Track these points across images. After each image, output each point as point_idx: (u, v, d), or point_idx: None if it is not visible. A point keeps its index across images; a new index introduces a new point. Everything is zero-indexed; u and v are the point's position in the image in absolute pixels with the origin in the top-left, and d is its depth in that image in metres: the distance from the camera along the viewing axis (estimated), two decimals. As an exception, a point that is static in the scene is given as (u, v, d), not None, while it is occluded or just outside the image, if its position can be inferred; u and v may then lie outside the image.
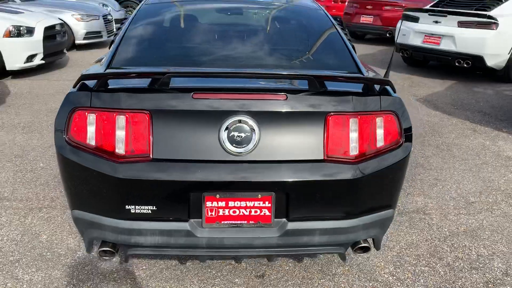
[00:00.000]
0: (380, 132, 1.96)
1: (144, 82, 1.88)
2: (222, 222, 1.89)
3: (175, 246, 1.90)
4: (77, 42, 8.65)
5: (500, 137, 4.58)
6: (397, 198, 2.12)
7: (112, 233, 1.89)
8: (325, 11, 2.96)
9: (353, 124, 1.90)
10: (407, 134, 2.03)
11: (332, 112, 1.88)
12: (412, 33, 7.11)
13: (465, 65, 6.60)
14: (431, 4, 7.66)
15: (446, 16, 6.69)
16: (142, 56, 2.32)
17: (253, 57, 2.35)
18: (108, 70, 2.10)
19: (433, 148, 4.22)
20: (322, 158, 1.88)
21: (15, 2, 8.30)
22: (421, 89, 6.45)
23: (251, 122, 1.82)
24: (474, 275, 2.42)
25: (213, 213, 1.87)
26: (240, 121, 1.82)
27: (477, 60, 6.49)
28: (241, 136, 1.82)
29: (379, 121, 1.95)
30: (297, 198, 1.87)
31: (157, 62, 2.25)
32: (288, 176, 1.84)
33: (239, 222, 1.89)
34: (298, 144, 1.86)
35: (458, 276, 2.41)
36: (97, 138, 1.85)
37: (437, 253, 2.61)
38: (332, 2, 12.84)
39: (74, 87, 1.91)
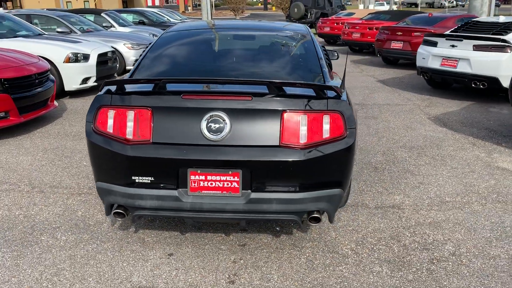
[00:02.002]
0: (326, 127, 2.52)
1: (147, 87, 2.57)
2: (203, 191, 2.51)
3: (167, 208, 2.53)
4: (127, 67, 9.71)
5: (497, 151, 4.89)
6: (346, 181, 2.64)
7: (122, 198, 2.56)
8: (313, 37, 3.56)
9: (302, 119, 2.48)
10: (351, 130, 2.57)
11: (287, 109, 2.48)
12: (430, 57, 7.52)
13: (481, 87, 6.90)
14: (451, 30, 8.04)
15: (462, 40, 7.07)
16: (154, 70, 3.03)
17: (239, 71, 3.00)
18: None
19: (427, 158, 4.63)
20: (278, 144, 2.46)
21: (77, 33, 9.52)
22: (437, 109, 6.81)
23: (224, 116, 2.45)
24: (423, 254, 2.86)
25: (196, 184, 2.50)
26: (215, 115, 2.45)
27: (493, 82, 6.77)
28: (216, 127, 2.45)
29: (326, 118, 2.52)
30: (258, 174, 2.46)
31: (164, 74, 2.95)
32: (251, 157, 2.43)
33: (215, 191, 2.50)
34: (260, 133, 2.47)
35: (409, 254, 2.86)
36: (114, 127, 2.54)
37: (398, 237, 3.07)
38: (367, 30, 13.37)
39: (100, 91, 2.64)
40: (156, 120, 2.50)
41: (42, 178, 4.03)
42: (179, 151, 2.45)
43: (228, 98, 2.47)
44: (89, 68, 7.36)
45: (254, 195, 2.49)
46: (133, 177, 2.52)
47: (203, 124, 2.46)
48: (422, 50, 7.76)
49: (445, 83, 8.00)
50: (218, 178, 2.49)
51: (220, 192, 2.50)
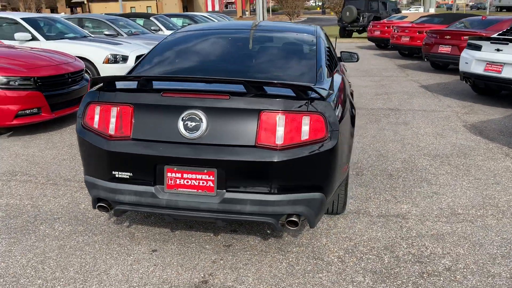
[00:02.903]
0: (305, 128, 2.44)
1: (131, 84, 2.62)
2: (179, 189, 2.51)
3: (144, 204, 2.57)
4: (169, 69, 9.97)
5: (531, 162, 4.53)
6: (328, 185, 2.55)
7: (104, 192, 2.62)
8: (319, 39, 3.47)
9: (280, 120, 2.42)
10: (333, 132, 2.48)
11: (264, 109, 2.43)
12: (474, 61, 7.10)
13: (527, 94, 6.42)
14: (499, 32, 7.55)
15: (508, 44, 6.62)
16: (151, 68, 3.09)
17: (230, 70, 2.99)
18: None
19: (450, 167, 4.37)
20: (253, 144, 2.42)
21: (123, 36, 9.93)
22: (476, 116, 6.42)
23: (200, 114, 2.45)
24: (415, 267, 2.70)
25: (172, 182, 2.51)
26: (192, 114, 2.45)
27: (541, 89, 6.29)
28: (193, 125, 2.45)
29: (305, 119, 2.44)
30: (232, 174, 2.43)
31: (158, 72, 3.00)
32: (226, 156, 2.41)
33: (191, 190, 2.50)
34: (236, 132, 2.44)
35: (399, 266, 2.71)
36: (99, 123, 2.62)
37: (392, 247, 2.91)
38: (417, 33, 12.88)
39: (90, 88, 2.73)
40: (137, 116, 2.54)
41: (59, 171, 4.23)
42: (156, 148, 2.48)
43: (206, 97, 2.47)
44: (127, 69, 7.64)
45: (228, 195, 2.46)
46: (113, 172, 2.57)
47: (180, 122, 2.47)
48: (466, 54, 7.34)
49: (490, 89, 7.52)
50: (194, 176, 2.49)
51: (195, 190, 2.50)
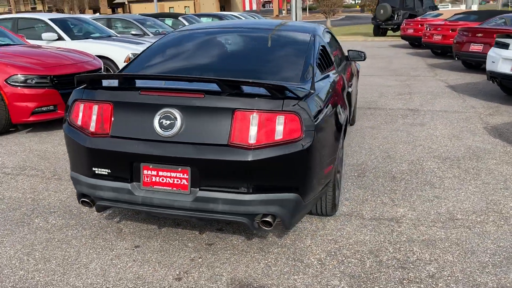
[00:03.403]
0: (279, 128, 2.41)
1: (112, 83, 2.67)
2: (154, 186, 2.54)
3: (122, 201, 2.61)
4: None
5: (549, 167, 4.28)
6: (304, 186, 2.51)
7: (85, 187, 2.69)
8: (315, 38, 3.42)
9: (254, 119, 2.40)
10: (308, 132, 2.43)
11: (238, 108, 2.42)
12: (500, 60, 6.78)
13: (557, 94, 6.07)
14: (529, 30, 7.17)
15: (536, 42, 6.28)
16: (142, 67, 3.14)
17: (216, 69, 2.99)
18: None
19: (458, 171, 4.19)
20: (226, 143, 2.41)
21: (149, 36, 10.13)
22: (500, 118, 6.13)
23: (175, 112, 2.46)
24: (397, 272, 2.61)
25: (148, 179, 2.54)
26: (168, 112, 2.47)
27: None
28: (168, 123, 2.47)
29: (280, 119, 2.41)
30: (205, 172, 2.44)
31: (143, 71, 3.05)
32: (200, 155, 2.42)
33: (165, 187, 2.52)
34: (210, 131, 2.44)
35: (380, 271, 2.63)
36: (82, 120, 2.68)
37: (377, 252, 2.83)
38: (450, 31, 12.45)
39: (76, 86, 2.80)
40: (116, 114, 2.59)
41: (66, 167, 4.37)
42: (132, 145, 2.52)
43: (181, 95, 2.48)
44: (148, 68, 7.78)
45: (201, 193, 2.47)
46: (93, 168, 2.63)
47: (156, 120, 2.49)
48: (493, 52, 7.03)
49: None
50: (168, 174, 2.51)
51: (170, 188, 2.52)
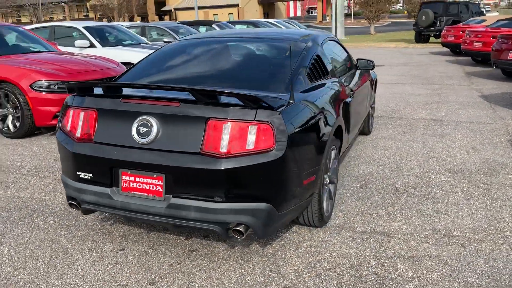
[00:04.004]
0: (251, 137, 2.42)
1: (97, 90, 2.77)
2: (132, 192, 2.61)
3: (102, 205, 2.70)
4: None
5: None
6: (278, 197, 2.50)
7: (72, 191, 2.80)
8: (312, 46, 3.41)
9: (226, 128, 2.43)
10: (281, 142, 2.43)
11: (211, 117, 2.45)
12: (533, 69, 6.44)
13: None
14: None
15: None
16: (135, 75, 3.24)
17: (201, 78, 3.04)
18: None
19: (468, 185, 4.02)
20: (199, 151, 2.45)
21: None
22: (528, 130, 5.82)
23: (152, 120, 2.53)
24: (373, 288, 2.54)
25: (126, 185, 2.62)
26: (145, 119, 2.54)
27: None
28: (144, 130, 2.54)
29: (252, 128, 2.42)
30: (179, 180, 2.48)
31: (135, 79, 3.14)
32: (173, 162, 2.47)
33: (142, 193, 2.59)
34: (184, 139, 2.48)
35: (357, 286, 2.57)
36: (71, 126, 2.81)
37: (359, 266, 2.76)
38: (491, 38, 11.94)
39: (69, 93, 2.93)
40: (99, 121, 2.69)
41: (78, 169, 4.54)
42: (112, 151, 2.60)
43: (158, 103, 2.54)
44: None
45: (174, 200, 2.51)
46: (78, 172, 2.74)
47: (134, 127, 2.57)
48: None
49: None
50: (145, 180, 2.57)
51: (146, 194, 2.58)
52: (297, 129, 2.57)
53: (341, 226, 3.30)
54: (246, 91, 2.83)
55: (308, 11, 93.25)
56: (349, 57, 4.61)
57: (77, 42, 8.07)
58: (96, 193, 2.69)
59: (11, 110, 5.63)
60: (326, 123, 2.97)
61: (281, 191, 2.51)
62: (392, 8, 65.38)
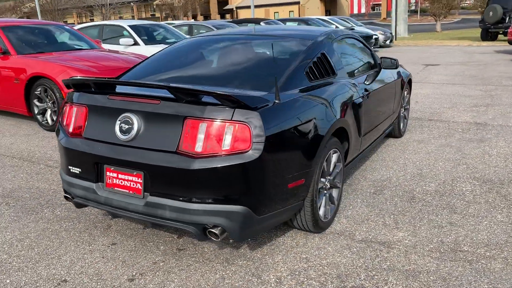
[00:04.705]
0: (228, 138, 2.35)
1: (87, 87, 2.82)
2: (115, 188, 2.64)
3: (89, 199, 2.75)
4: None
5: None
6: (256, 200, 2.41)
7: (65, 184, 2.88)
8: (315, 46, 3.28)
9: (202, 127, 2.38)
10: (258, 144, 2.34)
11: (189, 116, 2.41)
12: None
13: None
14: None
15: None
16: (137, 72, 3.27)
17: (194, 77, 3.01)
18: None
19: (495, 196, 3.68)
20: (175, 150, 2.42)
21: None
22: None
23: (133, 118, 2.54)
24: (354, 302, 2.39)
25: (110, 181, 2.65)
26: (127, 117, 2.56)
27: None
28: (126, 127, 2.55)
29: (229, 128, 2.35)
30: (156, 178, 2.47)
31: (136, 77, 3.17)
32: (151, 160, 2.46)
33: (124, 190, 2.61)
34: (162, 137, 2.47)
35: (337, 298, 2.43)
36: (66, 121, 2.89)
37: (346, 277, 2.61)
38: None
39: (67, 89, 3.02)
40: (89, 117, 2.75)
41: (100, 163, 4.70)
42: (98, 147, 2.64)
43: (140, 101, 2.54)
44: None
45: (150, 198, 2.51)
46: (69, 167, 2.82)
47: (117, 124, 2.59)
48: None
49: None
50: (126, 177, 2.59)
51: (127, 191, 2.60)
52: (279, 130, 2.47)
53: (340, 233, 3.14)
54: (237, 90, 2.76)
55: (373, 8, 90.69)
56: (372, 56, 4.38)
57: (121, 40, 8.37)
58: (84, 187, 2.75)
59: (50, 104, 5.93)
60: (320, 125, 2.82)
61: (259, 194, 2.42)
62: (465, 4, 61.89)
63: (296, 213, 2.91)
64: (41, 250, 2.94)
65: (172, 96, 2.47)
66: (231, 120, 2.35)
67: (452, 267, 2.69)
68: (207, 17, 62.96)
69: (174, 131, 2.44)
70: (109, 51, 7.15)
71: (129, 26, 8.77)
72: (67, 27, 7.47)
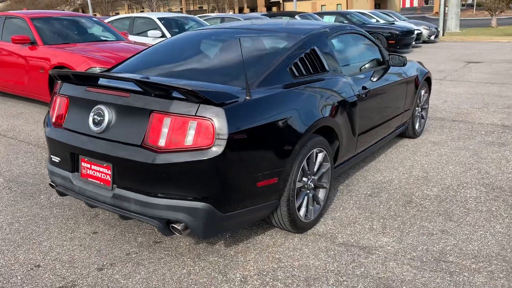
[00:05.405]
0: (191, 133, 2.33)
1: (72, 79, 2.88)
2: (89, 178, 2.69)
3: (67, 188, 2.81)
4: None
5: None
6: (218, 197, 2.38)
7: (49, 172, 2.97)
8: (307, 38, 3.19)
9: (166, 122, 2.37)
10: (221, 140, 2.30)
11: (155, 110, 2.41)
12: None
13: None
14: None
15: None
16: (126, 65, 3.31)
17: (175, 71, 3.00)
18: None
19: (500, 204, 3.45)
20: (140, 144, 2.43)
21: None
22: None
23: (105, 110, 2.57)
24: (314, 307, 2.31)
25: (85, 171, 2.70)
26: (99, 109, 2.59)
27: None
28: (98, 119, 2.59)
29: (192, 124, 2.33)
30: (122, 171, 2.49)
31: (124, 69, 3.20)
32: (117, 153, 2.48)
33: (96, 181, 2.65)
34: (129, 130, 2.48)
35: (297, 302, 2.36)
36: (52, 111, 2.97)
37: (314, 281, 2.53)
38: None
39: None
40: (69, 108, 2.81)
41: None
42: (74, 138, 2.70)
43: (112, 93, 2.57)
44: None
45: (117, 190, 2.53)
46: (51, 156, 2.90)
47: (91, 116, 2.63)
48: None
49: None
50: (98, 168, 2.63)
51: (99, 182, 2.64)
52: (247, 127, 2.42)
53: (322, 234, 3.05)
54: (216, 85, 2.72)
55: (426, 1, 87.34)
56: (380, 53, 4.20)
57: (149, 33, 8.52)
58: (62, 176, 2.82)
59: (71, 93, 6.13)
60: (298, 123, 2.74)
61: (222, 191, 2.39)
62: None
63: (273, 212, 2.86)
64: (26, 235, 3.05)
65: (140, 89, 2.47)
66: (195, 115, 2.32)
67: (430, 277, 2.55)
68: (253, 9, 63.01)
69: (141, 125, 2.45)
70: (134, 43, 7.29)
71: (158, 18, 8.90)
72: (95, 19, 7.68)
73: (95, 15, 46.87)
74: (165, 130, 2.37)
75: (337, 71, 3.38)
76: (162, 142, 2.37)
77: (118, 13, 55.32)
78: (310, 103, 2.89)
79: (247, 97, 2.51)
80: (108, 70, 3.36)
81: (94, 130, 2.60)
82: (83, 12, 60.03)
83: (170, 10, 64.66)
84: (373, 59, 4.03)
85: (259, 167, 2.52)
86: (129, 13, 60.76)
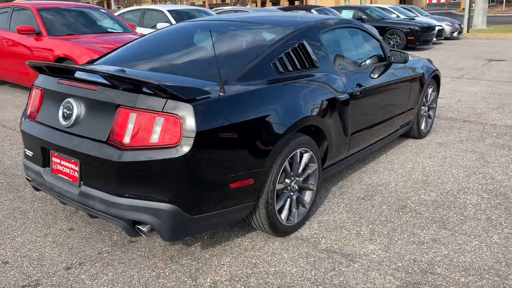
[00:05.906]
0: (157, 130, 2.21)
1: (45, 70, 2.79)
2: (59, 174, 2.60)
3: (39, 183, 2.73)
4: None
5: None
6: (185, 198, 2.25)
7: (24, 167, 2.90)
8: (296, 32, 3.04)
9: (132, 117, 2.25)
10: (187, 138, 2.17)
11: (122, 105, 2.29)
12: None
13: None
14: None
15: None
16: (109, 57, 3.20)
17: (156, 63, 2.88)
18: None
19: (500, 213, 3.23)
20: (105, 140, 2.32)
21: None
22: None
23: (73, 103, 2.47)
24: (282, 319, 2.17)
25: (56, 166, 2.61)
26: (68, 102, 2.49)
27: None
28: (67, 113, 2.49)
29: (159, 120, 2.21)
30: (88, 168, 2.39)
31: (104, 62, 3.10)
32: (83, 149, 2.38)
33: (65, 176, 2.55)
34: (96, 126, 2.37)
35: (265, 312, 2.22)
36: (28, 104, 2.89)
37: (286, 289, 2.39)
38: None
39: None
40: (43, 100, 2.72)
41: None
42: (41, 131, 2.61)
43: (80, 86, 2.47)
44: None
45: (84, 188, 2.43)
46: (25, 149, 2.82)
47: (60, 109, 2.53)
48: None
49: None
50: (67, 164, 2.53)
51: (67, 178, 2.54)
52: (219, 125, 2.28)
53: (306, 239, 2.90)
54: (191, 80, 2.59)
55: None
56: (382, 49, 3.99)
57: (158, 25, 8.44)
58: (35, 171, 2.74)
59: (73, 85, 6.09)
60: (278, 121, 2.58)
61: (190, 192, 2.26)
62: None
63: (252, 214, 2.72)
64: (1, 229, 2.99)
65: (108, 83, 2.36)
66: (161, 111, 2.20)
67: (414, 277, 2.38)
68: (275, 3, 62.59)
69: (107, 120, 2.34)
70: (141, 35, 7.21)
71: (168, 11, 8.81)
72: (103, 10, 7.64)
73: (119, 7, 47.27)
74: (130, 126, 2.25)
75: (329, 67, 3.20)
76: (127, 139, 2.26)
77: (141, 3, 55.62)
78: (293, 100, 2.73)
79: (221, 93, 2.37)
80: (92, 62, 3.26)
81: (63, 124, 2.50)
82: (107, 5, 60.57)
83: (192, 4, 64.81)
84: (373, 56, 3.83)
85: (232, 167, 2.39)
86: (151, 4, 61.09)
